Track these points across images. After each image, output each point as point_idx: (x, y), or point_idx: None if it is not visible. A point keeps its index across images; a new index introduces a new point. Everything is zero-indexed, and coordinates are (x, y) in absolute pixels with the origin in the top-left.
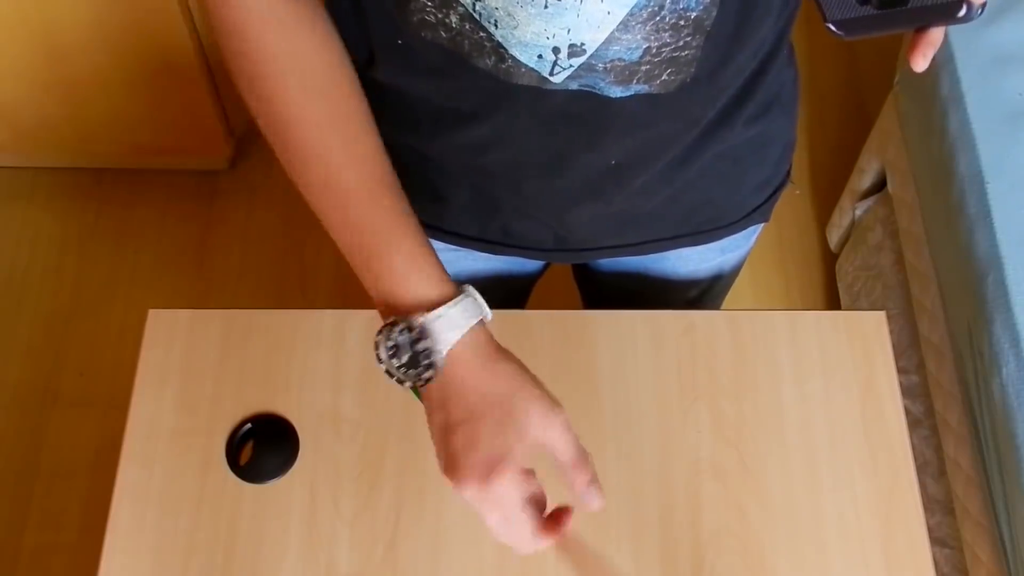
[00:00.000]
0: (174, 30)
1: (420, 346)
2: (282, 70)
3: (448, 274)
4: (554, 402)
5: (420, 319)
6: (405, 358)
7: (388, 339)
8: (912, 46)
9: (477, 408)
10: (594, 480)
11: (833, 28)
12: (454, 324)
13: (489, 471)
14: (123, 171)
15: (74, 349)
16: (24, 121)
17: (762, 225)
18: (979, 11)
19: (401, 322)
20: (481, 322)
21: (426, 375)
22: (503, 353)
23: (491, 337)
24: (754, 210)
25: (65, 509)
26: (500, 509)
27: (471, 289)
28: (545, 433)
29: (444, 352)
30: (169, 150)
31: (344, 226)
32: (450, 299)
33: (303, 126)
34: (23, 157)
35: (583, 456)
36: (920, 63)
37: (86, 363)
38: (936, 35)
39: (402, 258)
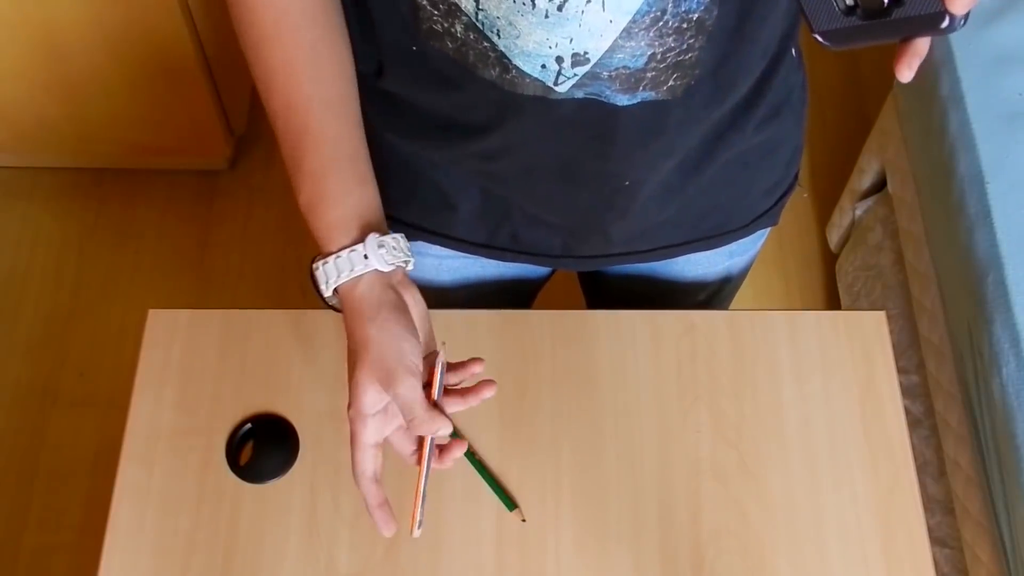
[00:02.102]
0: (174, 30)
1: (317, 290)
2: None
3: (358, 218)
4: (395, 375)
5: (314, 265)
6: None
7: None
8: (897, 57)
9: (349, 351)
10: (443, 430)
11: (820, 39)
12: (329, 275)
13: (351, 406)
14: (123, 171)
15: (74, 349)
16: (24, 121)
17: (770, 228)
18: (961, 22)
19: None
20: (369, 273)
21: (335, 307)
22: (379, 315)
23: (376, 289)
24: (763, 214)
25: (65, 509)
26: (355, 443)
27: (370, 239)
28: (395, 396)
29: (328, 295)
30: (169, 150)
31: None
32: (333, 253)
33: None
34: (23, 157)
35: (425, 419)
36: (905, 73)
37: (86, 363)
38: (921, 46)
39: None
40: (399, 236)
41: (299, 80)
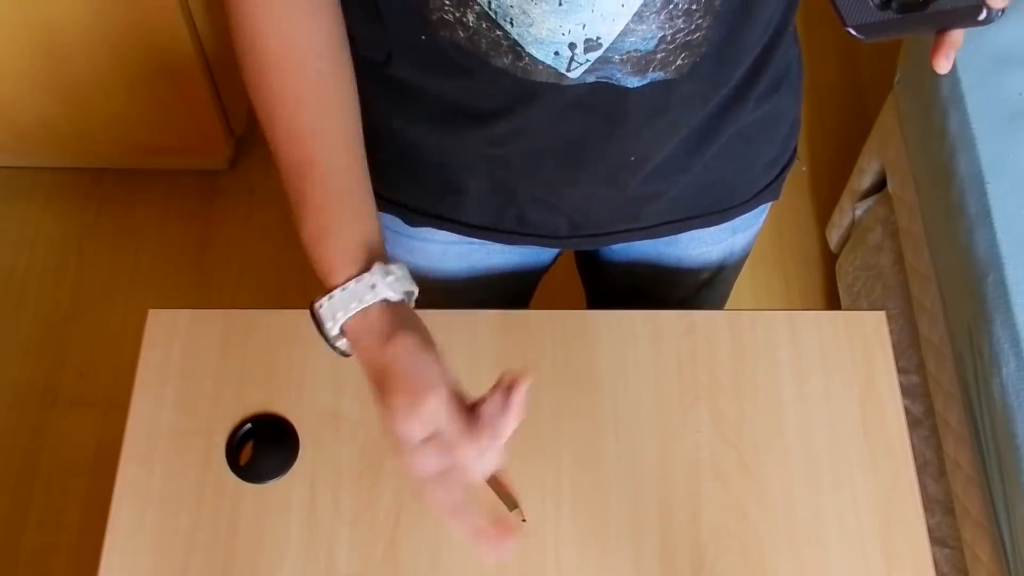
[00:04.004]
0: (174, 30)
1: (322, 331)
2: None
3: (364, 250)
4: (421, 392)
5: (316, 306)
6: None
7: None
8: (934, 48)
9: (373, 387)
10: (474, 460)
11: (853, 32)
12: (335, 311)
13: (397, 449)
14: (123, 171)
15: (74, 349)
16: (24, 121)
17: (771, 203)
18: (999, 14)
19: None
20: (377, 303)
21: (341, 351)
22: (394, 336)
23: (386, 317)
24: (764, 188)
25: (65, 509)
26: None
27: (376, 268)
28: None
29: (335, 334)
30: (169, 150)
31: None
32: (338, 285)
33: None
34: (23, 157)
35: (456, 440)
36: (943, 65)
37: (86, 363)
38: (957, 37)
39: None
40: (403, 264)
41: (303, 111)
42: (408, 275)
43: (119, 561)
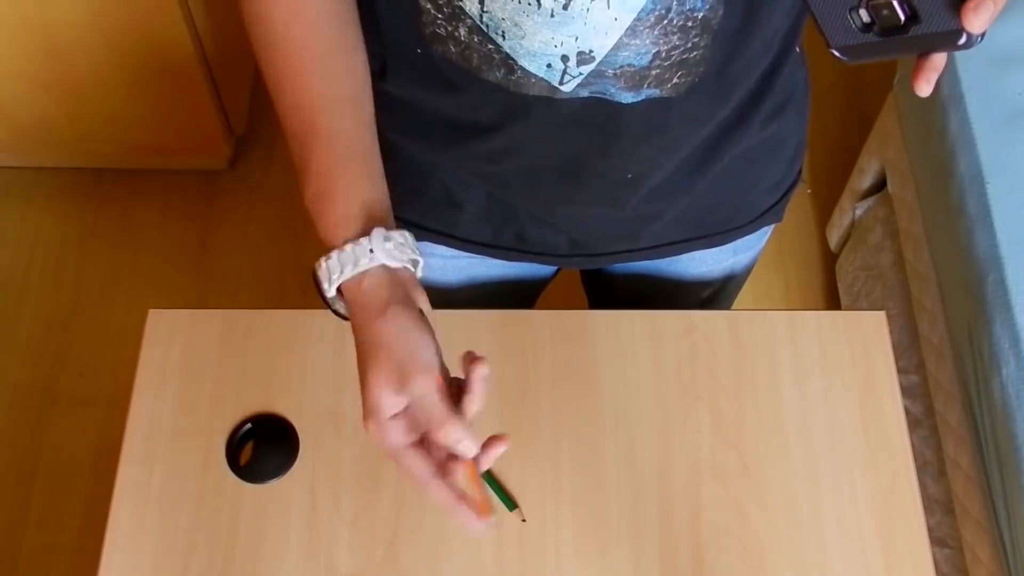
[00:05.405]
0: (174, 30)
1: (321, 293)
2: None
3: (366, 209)
4: (408, 372)
5: (315, 266)
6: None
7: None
8: (915, 71)
9: (358, 353)
10: (460, 440)
11: (837, 54)
12: (332, 272)
13: (366, 415)
14: (123, 171)
15: (74, 349)
16: (24, 121)
17: (774, 225)
18: (979, 39)
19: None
20: (375, 267)
21: (340, 314)
22: (388, 310)
23: (383, 286)
24: (767, 210)
25: (65, 509)
26: (387, 452)
27: (376, 233)
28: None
29: (331, 295)
30: (169, 150)
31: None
32: (336, 247)
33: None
34: (23, 157)
35: (442, 421)
36: (924, 88)
37: (86, 363)
38: (938, 60)
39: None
40: (407, 233)
41: (308, 79)
42: (411, 243)
43: (119, 561)
